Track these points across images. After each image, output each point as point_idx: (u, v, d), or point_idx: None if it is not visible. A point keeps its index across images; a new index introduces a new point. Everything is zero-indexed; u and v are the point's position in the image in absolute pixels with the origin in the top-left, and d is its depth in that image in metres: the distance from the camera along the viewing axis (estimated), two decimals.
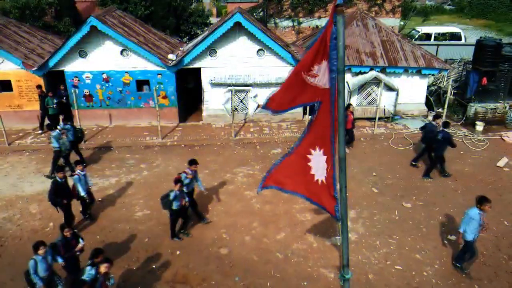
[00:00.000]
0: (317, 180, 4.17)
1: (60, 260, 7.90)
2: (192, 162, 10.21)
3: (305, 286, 8.60)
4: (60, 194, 9.82)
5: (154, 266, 9.17)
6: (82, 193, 10.19)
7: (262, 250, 9.64)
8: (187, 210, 10.05)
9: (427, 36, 25.91)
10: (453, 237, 10.08)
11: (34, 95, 15.88)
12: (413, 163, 13.46)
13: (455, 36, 26.21)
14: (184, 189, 9.84)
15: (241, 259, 9.34)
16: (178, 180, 9.44)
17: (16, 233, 10.39)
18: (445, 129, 12.27)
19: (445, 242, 9.94)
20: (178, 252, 9.58)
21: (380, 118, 16.48)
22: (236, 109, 16.53)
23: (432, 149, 12.80)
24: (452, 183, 12.47)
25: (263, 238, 10.06)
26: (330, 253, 9.46)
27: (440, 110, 17.06)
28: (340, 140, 3.24)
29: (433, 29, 26.77)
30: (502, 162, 13.70)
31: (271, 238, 10.06)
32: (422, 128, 13.08)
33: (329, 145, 3.88)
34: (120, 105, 16.44)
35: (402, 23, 27.69)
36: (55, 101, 15.03)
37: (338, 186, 4.07)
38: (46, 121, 15.16)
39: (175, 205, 9.42)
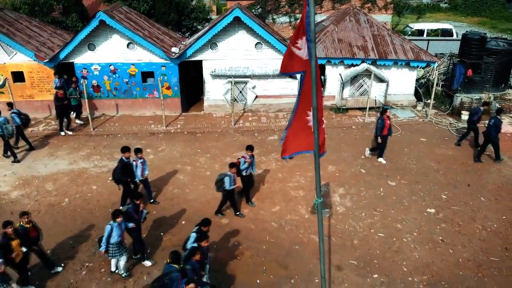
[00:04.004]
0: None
1: (130, 225, 8.78)
2: (249, 148, 10.83)
3: (297, 249, 9.64)
4: (124, 173, 10.58)
5: (161, 234, 10.21)
6: (136, 178, 10.91)
7: (259, 220, 10.70)
8: (253, 182, 11.18)
9: (420, 32, 26.98)
10: (432, 210, 11.13)
11: (45, 86, 16.90)
12: (474, 147, 14.57)
13: (447, 33, 27.28)
14: (243, 173, 10.69)
15: (240, 227, 10.39)
16: (233, 164, 10.25)
17: (34, 207, 11.40)
18: (497, 116, 13.28)
19: (425, 214, 10.98)
20: (183, 222, 10.63)
21: (371, 108, 17.48)
22: (235, 99, 17.52)
23: (476, 132, 14.30)
24: (435, 165, 13.50)
25: (260, 210, 11.10)
26: None
27: (428, 101, 18.05)
28: (313, 92, 4.21)
29: (425, 26, 27.83)
30: None
31: (267, 210, 11.10)
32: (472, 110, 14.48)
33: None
34: (126, 96, 17.45)
35: (397, 20, 28.74)
36: (77, 93, 16.05)
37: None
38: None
39: (229, 187, 10.23)
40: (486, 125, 13.49)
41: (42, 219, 10.86)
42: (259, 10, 24.84)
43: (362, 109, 17.63)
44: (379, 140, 13.34)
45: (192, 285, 6.47)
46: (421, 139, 15.31)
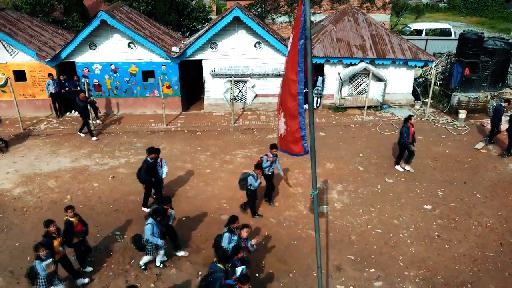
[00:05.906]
0: (280, 134, 5.24)
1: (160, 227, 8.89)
2: (273, 146, 10.70)
3: (295, 245, 9.82)
4: (149, 174, 10.62)
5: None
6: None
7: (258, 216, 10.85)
8: (273, 182, 11.15)
9: (418, 32, 27.16)
10: (428, 207, 11.30)
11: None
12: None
13: (445, 32, 27.46)
14: (265, 171, 10.66)
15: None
16: (259, 165, 10.28)
17: (37, 204, 11.58)
18: None
19: (421, 210, 11.16)
20: (183, 218, 10.79)
21: (369, 107, 17.67)
22: (235, 98, 17.69)
23: (496, 128, 14.65)
24: (432, 162, 13.67)
25: (259, 207, 11.25)
26: None
27: (426, 100, 18.22)
28: (308, 89, 4.38)
29: (424, 26, 28.02)
30: (479, 145, 14.89)
31: (266, 207, 11.27)
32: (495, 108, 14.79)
33: (285, 105, 4.85)
34: (127, 95, 17.62)
35: (396, 20, 28.93)
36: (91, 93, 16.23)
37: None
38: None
39: (253, 186, 10.30)
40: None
41: (44, 215, 10.96)
42: (258, 10, 25.02)
43: (361, 108, 17.79)
44: (403, 148, 12.82)
45: (248, 285, 6.63)
46: (419, 137, 15.43)
